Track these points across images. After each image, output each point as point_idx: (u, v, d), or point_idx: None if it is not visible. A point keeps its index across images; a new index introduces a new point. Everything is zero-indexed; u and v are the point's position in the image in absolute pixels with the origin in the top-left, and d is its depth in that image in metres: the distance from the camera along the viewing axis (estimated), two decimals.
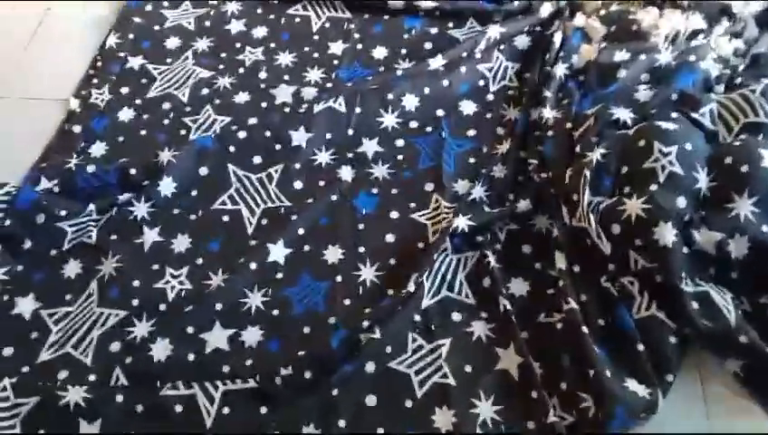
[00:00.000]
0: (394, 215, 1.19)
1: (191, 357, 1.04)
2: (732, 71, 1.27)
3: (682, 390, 0.99)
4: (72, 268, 1.16)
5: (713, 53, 1.29)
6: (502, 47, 1.41)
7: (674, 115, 1.15)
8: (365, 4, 1.52)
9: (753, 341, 0.96)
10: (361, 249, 1.15)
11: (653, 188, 1.05)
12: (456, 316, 1.07)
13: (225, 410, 0.99)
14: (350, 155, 1.28)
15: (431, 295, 1.09)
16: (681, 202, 1.04)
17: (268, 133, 1.30)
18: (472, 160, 1.26)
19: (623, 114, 1.18)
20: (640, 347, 0.99)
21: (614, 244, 1.06)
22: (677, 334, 1.01)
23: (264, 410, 0.99)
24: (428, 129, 1.31)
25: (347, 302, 1.09)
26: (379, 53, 1.44)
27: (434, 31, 1.47)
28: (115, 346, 1.07)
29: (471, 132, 1.30)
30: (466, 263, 1.13)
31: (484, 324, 1.06)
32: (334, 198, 1.22)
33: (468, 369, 1.02)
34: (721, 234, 1.02)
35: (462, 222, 1.11)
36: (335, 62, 1.43)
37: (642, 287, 1.03)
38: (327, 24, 1.51)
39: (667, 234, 1.01)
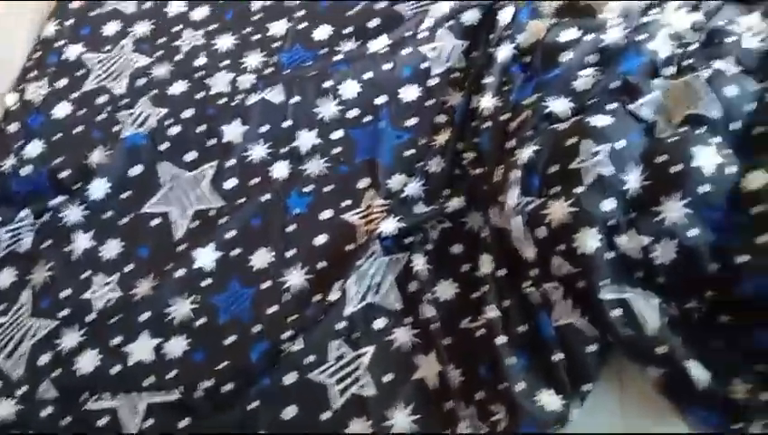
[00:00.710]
0: (326, 215, 1.17)
1: (116, 369, 1.06)
2: (685, 48, 1.18)
3: (602, 396, 0.99)
4: (6, 277, 1.17)
5: (666, 29, 1.21)
6: (449, 24, 1.34)
7: (611, 106, 1.09)
8: None
9: (672, 351, 0.94)
10: (290, 253, 1.14)
11: (579, 190, 1.01)
12: (380, 323, 1.06)
13: (148, 423, 1.01)
14: (285, 149, 1.25)
15: (357, 302, 1.08)
16: (608, 205, 1.01)
17: (203, 127, 1.27)
18: (409, 153, 1.22)
19: (560, 105, 1.13)
20: (558, 356, 0.98)
21: (539, 248, 1.03)
22: (599, 342, 0.99)
23: (185, 422, 1.01)
24: (367, 118, 1.26)
25: (272, 309, 1.09)
26: (322, 32, 1.38)
27: (379, 6, 1.40)
28: (45, 358, 1.08)
29: (411, 122, 1.26)
30: (397, 265, 1.11)
31: (408, 331, 1.06)
32: (267, 197, 1.20)
33: (388, 378, 1.02)
34: (648, 238, 0.98)
35: (390, 224, 1.09)
36: (276, 44, 1.38)
37: (566, 294, 1.01)
38: (268, 3, 1.45)
39: (590, 240, 0.98)
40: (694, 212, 0.98)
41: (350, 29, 1.37)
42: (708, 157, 0.99)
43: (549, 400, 0.95)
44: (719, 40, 1.16)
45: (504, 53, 1.26)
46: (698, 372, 0.93)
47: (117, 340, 1.08)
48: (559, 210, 1.01)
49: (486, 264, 1.06)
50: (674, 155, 1.01)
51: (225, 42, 1.40)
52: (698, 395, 0.93)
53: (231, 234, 1.17)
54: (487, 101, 1.20)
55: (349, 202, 1.18)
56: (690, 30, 1.22)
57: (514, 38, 1.28)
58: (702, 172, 0.99)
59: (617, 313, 0.97)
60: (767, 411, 0.92)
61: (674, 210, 0.98)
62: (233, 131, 1.26)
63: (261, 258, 1.14)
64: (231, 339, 1.07)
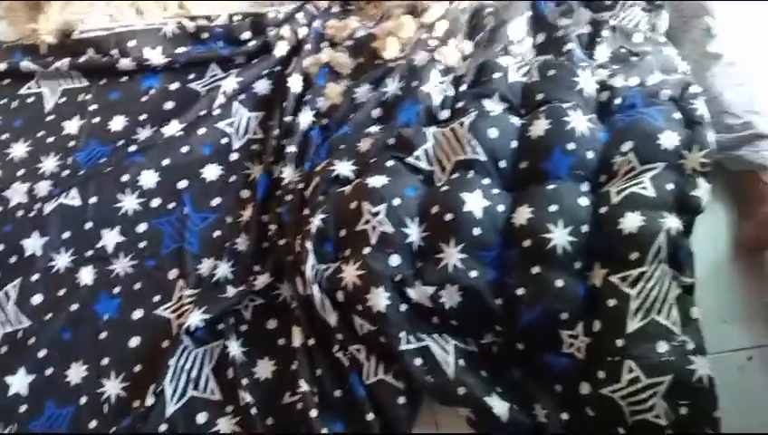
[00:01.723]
0: (137, 315, 1.16)
1: None
2: (456, 88, 1.24)
3: None
4: None
5: (438, 66, 1.27)
6: (241, 97, 1.36)
7: (389, 163, 1.14)
8: (100, 69, 1.42)
9: (470, 390, 0.99)
10: (105, 361, 1.12)
11: (366, 251, 1.06)
12: (202, 417, 1.07)
13: None
14: (90, 253, 1.23)
15: (176, 400, 1.08)
16: (394, 261, 1.05)
17: (2, 246, 1.23)
18: (216, 234, 1.23)
19: (345, 169, 1.17)
20: (369, 417, 1.01)
21: (340, 311, 1.07)
22: (408, 393, 1.03)
23: None
24: (170, 205, 1.26)
25: (93, 424, 1.08)
26: (117, 123, 1.37)
27: (174, 87, 1.40)
28: None
29: (215, 201, 1.27)
30: (213, 354, 1.12)
31: (230, 420, 1.06)
32: (74, 307, 1.17)
33: None
34: (433, 287, 1.03)
35: (196, 317, 1.09)
36: (71, 143, 1.35)
37: (369, 352, 1.05)
38: (62, 100, 1.41)
39: (380, 299, 1.02)
40: (470, 255, 1.04)
41: (144, 116, 1.36)
42: (476, 201, 1.06)
43: None
44: (486, 77, 1.23)
45: (303, 119, 1.28)
46: (498, 405, 0.99)
47: None
48: (351, 273, 1.05)
49: (297, 336, 1.09)
50: (445, 204, 1.07)
51: (19, 150, 1.36)
52: (504, 426, 0.99)
53: (42, 353, 1.14)
54: (288, 172, 1.22)
55: (159, 297, 1.17)
56: (461, 62, 1.28)
57: (314, 103, 1.31)
58: (473, 217, 1.05)
59: (418, 361, 1.02)
60: (569, 429, 0.99)
61: (452, 256, 1.04)
62: (33, 244, 1.23)
63: (75, 373, 1.12)
64: None
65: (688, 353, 0.95)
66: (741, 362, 1.06)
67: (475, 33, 1.34)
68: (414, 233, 1.07)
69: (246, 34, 1.41)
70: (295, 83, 1.33)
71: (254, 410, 1.04)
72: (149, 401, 1.05)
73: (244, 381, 1.07)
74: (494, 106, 1.19)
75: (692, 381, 0.93)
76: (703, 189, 1.05)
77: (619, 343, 0.96)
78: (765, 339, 1.08)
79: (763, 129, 1.16)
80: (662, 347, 0.95)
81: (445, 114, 1.22)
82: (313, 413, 1.00)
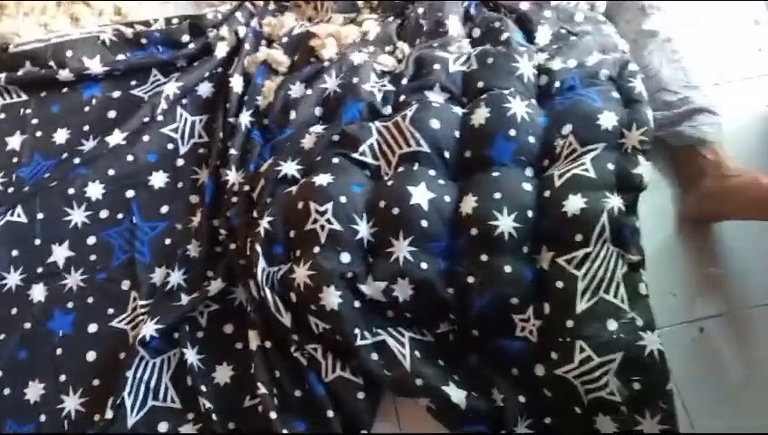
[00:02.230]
0: (92, 328, 1.16)
1: None
2: (397, 84, 1.25)
3: (381, 430, 1.06)
4: None
5: (375, 67, 1.27)
6: (184, 101, 1.36)
7: (335, 160, 1.14)
8: (39, 82, 1.39)
9: (427, 381, 1.01)
10: (63, 377, 1.12)
11: (315, 250, 1.06)
12: (164, 426, 1.07)
13: None
14: (40, 270, 1.21)
15: (136, 411, 1.08)
16: (345, 258, 1.06)
17: None
18: (168, 242, 1.23)
19: (290, 168, 1.16)
20: (330, 413, 1.02)
21: (294, 313, 1.07)
22: (367, 388, 1.04)
23: None
24: (119, 216, 1.25)
25: None
26: (61, 136, 1.35)
27: (116, 94, 1.38)
28: None
29: (164, 209, 1.26)
30: (170, 363, 1.11)
31: (192, 426, 1.07)
32: (28, 325, 1.16)
33: None
34: (384, 282, 1.04)
35: (149, 328, 1.09)
36: (14, 159, 1.33)
37: (325, 350, 1.05)
38: (2, 115, 1.39)
39: (331, 297, 1.03)
40: (419, 248, 1.05)
41: (87, 127, 1.34)
42: (422, 193, 1.06)
43: None
44: (427, 70, 1.24)
45: (244, 120, 1.28)
46: (455, 393, 1.00)
47: None
48: (302, 273, 1.05)
49: (253, 339, 1.09)
50: (392, 198, 1.08)
51: None
52: (464, 413, 1.00)
53: None
54: (233, 175, 1.22)
55: (113, 310, 1.17)
56: (395, 63, 1.28)
57: (253, 103, 1.30)
58: (419, 209, 1.06)
59: (375, 356, 1.03)
60: (528, 411, 1.01)
61: (402, 250, 1.05)
62: None
63: (34, 392, 1.11)
64: None
65: (638, 330, 0.97)
66: (693, 335, 1.09)
67: (412, 35, 1.34)
68: (363, 229, 1.08)
69: (186, 37, 1.40)
70: (237, 84, 1.33)
71: (214, 416, 1.04)
72: (109, 414, 1.04)
73: (203, 388, 1.07)
74: (435, 97, 1.20)
75: (643, 356, 0.95)
76: (644, 167, 1.07)
77: (569, 323, 0.98)
78: (714, 309, 1.11)
79: (701, 103, 1.18)
80: (612, 325, 0.97)
81: (387, 110, 1.22)
82: (273, 415, 1.01)
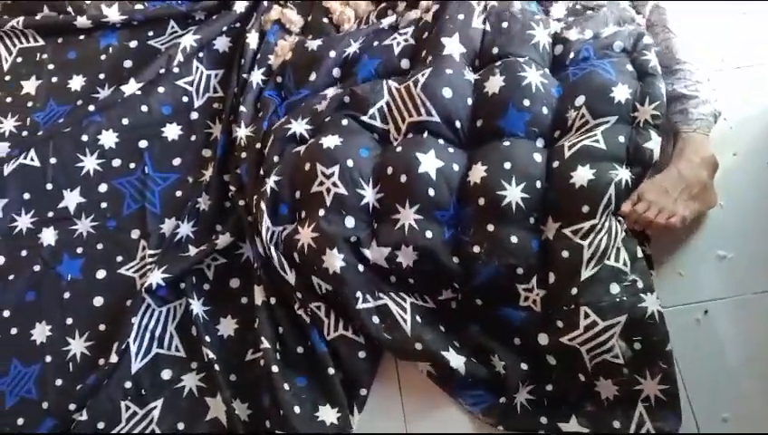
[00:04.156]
0: (101, 274, 1.17)
1: None
2: (419, 36, 1.23)
3: (383, 394, 1.07)
4: None
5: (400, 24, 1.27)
6: (200, 55, 1.35)
7: (344, 122, 1.13)
8: (57, 27, 1.39)
9: (427, 346, 1.02)
10: (69, 320, 1.13)
11: (321, 213, 1.06)
12: (167, 374, 1.09)
13: None
14: (51, 214, 1.22)
15: (141, 357, 1.09)
16: (349, 222, 1.06)
17: None
18: (178, 194, 1.24)
19: (300, 127, 1.16)
20: (330, 371, 1.04)
21: (298, 272, 1.08)
22: (368, 348, 1.05)
23: None
24: (132, 165, 1.26)
25: (59, 382, 1.09)
26: (76, 83, 1.35)
27: (133, 44, 1.38)
28: None
29: (176, 161, 1.27)
30: (176, 313, 1.13)
31: (195, 376, 1.08)
32: (37, 268, 1.18)
33: (181, 426, 1.05)
34: (388, 248, 1.04)
35: (156, 277, 1.10)
36: (29, 103, 1.34)
37: (328, 309, 1.06)
38: (19, 59, 1.39)
39: (335, 260, 1.03)
40: (425, 216, 1.05)
41: (103, 75, 1.34)
42: (430, 161, 1.06)
43: (329, 413, 1.01)
44: (451, 18, 1.20)
45: (255, 78, 1.27)
46: (454, 359, 1.01)
47: None
48: (306, 235, 1.05)
49: (259, 294, 1.10)
50: (400, 165, 1.07)
51: None
52: (463, 378, 1.02)
53: (5, 314, 1.15)
54: (243, 131, 1.22)
55: (122, 257, 1.18)
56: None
57: (265, 61, 1.30)
58: (427, 177, 1.05)
59: (375, 319, 1.04)
60: (531, 378, 1.02)
61: (408, 217, 1.05)
62: None
63: (40, 333, 1.13)
64: (21, 420, 1.06)
65: (639, 292, 0.98)
66: (698, 315, 1.09)
67: None
68: (369, 194, 1.08)
69: None
70: (253, 40, 1.33)
71: (216, 367, 1.05)
72: (114, 358, 1.06)
73: (207, 338, 1.08)
74: (452, 48, 1.16)
75: (645, 317, 0.96)
76: (654, 141, 1.06)
77: (573, 291, 0.99)
78: (720, 293, 1.10)
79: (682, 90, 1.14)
80: (614, 289, 0.98)
81: (405, 63, 1.21)
82: (275, 369, 1.02)
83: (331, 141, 1.09)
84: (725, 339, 1.07)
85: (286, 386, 1.02)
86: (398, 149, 1.09)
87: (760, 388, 1.02)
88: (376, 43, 1.23)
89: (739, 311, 1.09)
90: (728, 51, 1.30)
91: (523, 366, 1.03)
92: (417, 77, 1.13)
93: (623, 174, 1.02)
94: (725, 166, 1.10)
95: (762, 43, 1.32)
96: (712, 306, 1.09)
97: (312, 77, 1.24)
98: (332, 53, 1.25)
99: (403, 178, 1.05)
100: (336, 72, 1.25)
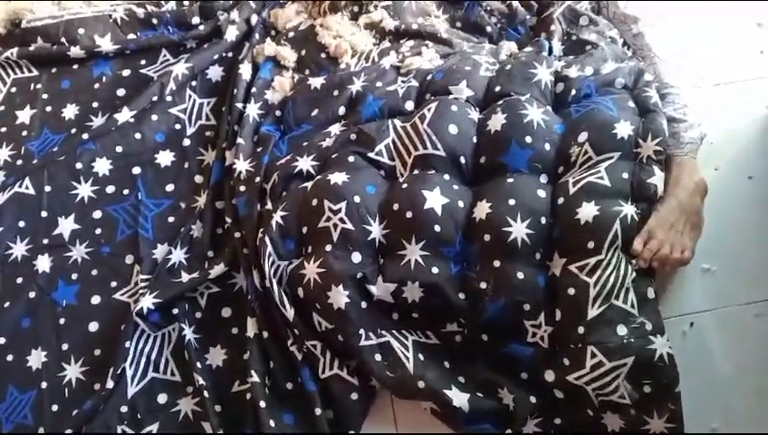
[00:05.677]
0: (95, 300, 1.18)
1: None
2: (425, 80, 1.25)
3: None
4: None
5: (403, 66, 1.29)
6: (193, 83, 1.38)
7: (351, 159, 1.15)
8: (50, 58, 1.42)
9: (429, 384, 1.02)
10: (65, 346, 1.14)
11: (327, 248, 1.07)
12: (163, 398, 1.10)
13: None
14: (46, 241, 1.24)
15: (137, 381, 1.10)
16: (356, 258, 1.07)
17: None
18: (171, 220, 1.25)
19: (305, 164, 1.18)
20: (318, 411, 1.05)
21: (298, 309, 1.09)
22: (361, 389, 1.07)
23: None
24: (125, 191, 1.28)
25: (55, 408, 1.10)
26: (70, 111, 1.37)
27: (126, 73, 1.40)
28: None
29: (169, 187, 1.28)
30: (171, 337, 1.14)
31: (190, 400, 1.10)
32: (32, 295, 1.19)
33: None
34: (394, 284, 1.05)
35: (147, 302, 1.11)
36: (24, 133, 1.35)
37: (324, 348, 1.08)
38: (13, 90, 1.41)
39: (340, 297, 1.04)
40: (431, 253, 1.06)
41: (96, 103, 1.36)
42: (436, 198, 1.07)
43: None
44: (458, 69, 1.23)
45: (252, 111, 1.29)
46: (457, 397, 1.01)
47: None
48: (312, 270, 1.06)
49: (251, 326, 1.11)
50: (406, 202, 1.08)
51: None
52: (468, 413, 1.02)
53: (1, 341, 1.16)
54: (242, 165, 1.23)
55: (116, 283, 1.19)
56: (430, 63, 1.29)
57: (261, 96, 1.32)
58: (433, 214, 1.06)
59: (378, 357, 1.05)
60: (540, 411, 1.03)
61: (414, 253, 1.06)
62: None
63: (36, 359, 1.14)
64: None
65: (648, 334, 0.97)
66: (684, 328, 1.11)
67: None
68: (376, 230, 1.09)
69: (196, 19, 1.43)
70: (246, 71, 1.35)
71: (206, 394, 1.07)
72: (110, 383, 1.07)
73: (198, 365, 1.10)
74: (459, 93, 1.19)
75: (653, 360, 0.96)
76: (658, 177, 1.07)
77: (581, 329, 0.99)
78: (705, 305, 1.13)
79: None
80: (622, 330, 0.97)
81: (409, 105, 1.23)
82: (263, 404, 1.04)
83: (338, 178, 1.10)
84: (712, 350, 1.09)
85: (272, 422, 1.03)
86: (405, 185, 1.11)
87: (747, 398, 1.04)
88: (380, 84, 1.25)
89: (724, 323, 1.11)
90: (706, 68, 1.34)
91: (532, 399, 1.03)
92: (423, 112, 1.15)
93: (628, 209, 1.03)
94: (708, 180, 1.13)
95: (739, 58, 1.36)
96: (697, 319, 1.12)
97: (314, 112, 1.26)
98: (336, 92, 1.27)
99: (409, 215, 1.06)
100: (341, 110, 1.26)
